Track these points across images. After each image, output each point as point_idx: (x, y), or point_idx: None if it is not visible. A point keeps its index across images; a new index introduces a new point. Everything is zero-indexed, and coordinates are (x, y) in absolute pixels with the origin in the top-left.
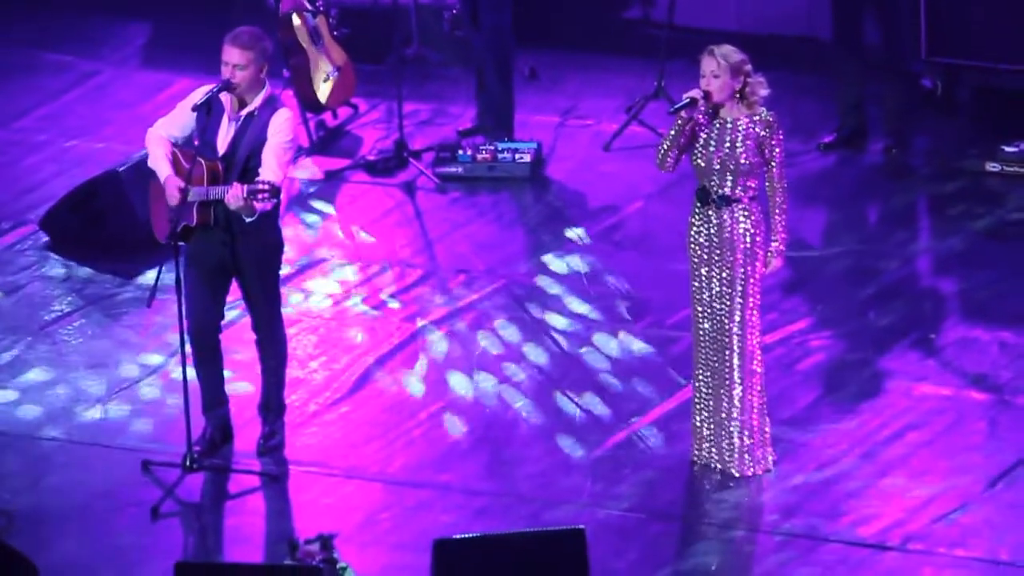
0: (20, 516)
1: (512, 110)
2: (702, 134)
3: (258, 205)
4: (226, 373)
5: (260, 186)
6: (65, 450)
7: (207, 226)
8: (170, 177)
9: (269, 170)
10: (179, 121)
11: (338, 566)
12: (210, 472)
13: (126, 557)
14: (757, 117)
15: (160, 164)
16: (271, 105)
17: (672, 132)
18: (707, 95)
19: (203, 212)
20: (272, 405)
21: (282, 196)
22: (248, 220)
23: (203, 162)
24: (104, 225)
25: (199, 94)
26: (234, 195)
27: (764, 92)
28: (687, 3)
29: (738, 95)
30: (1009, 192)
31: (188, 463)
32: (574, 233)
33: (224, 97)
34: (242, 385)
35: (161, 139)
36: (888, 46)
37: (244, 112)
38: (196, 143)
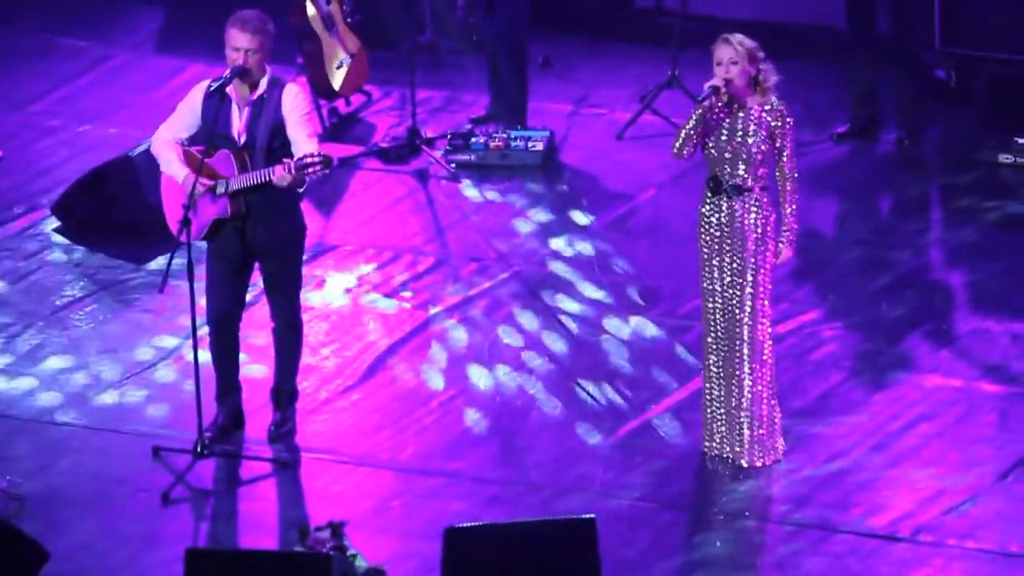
0: (31, 501)
1: (526, 98)
2: (714, 123)
3: (309, 176)
4: (243, 353)
5: (307, 159)
6: (76, 435)
7: (238, 216)
8: (189, 175)
9: (304, 144)
10: (184, 121)
11: (348, 553)
12: (221, 458)
13: (137, 542)
14: (769, 106)
15: (175, 167)
16: (278, 84)
17: (692, 121)
18: (727, 82)
19: (235, 202)
20: (285, 392)
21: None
22: (279, 202)
23: (229, 152)
24: (116, 210)
25: (198, 92)
26: (280, 175)
27: (775, 79)
28: None
29: (752, 82)
30: (1022, 184)
31: (199, 449)
32: (584, 219)
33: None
34: (255, 370)
35: (168, 143)
36: (902, 37)
37: (255, 96)
38: (209, 136)
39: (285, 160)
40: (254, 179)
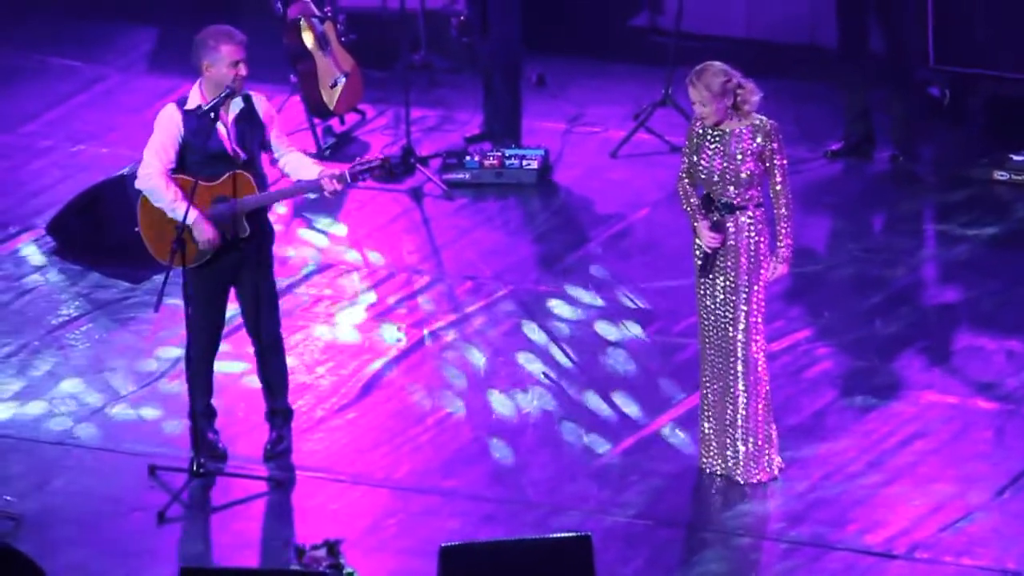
0: (27, 520)
1: (520, 116)
2: (704, 146)
3: (366, 182)
4: (240, 368)
5: (365, 165)
6: (72, 454)
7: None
8: (199, 218)
9: (286, 148)
10: (172, 150)
11: (344, 572)
12: (217, 477)
13: (132, 562)
14: (757, 125)
15: (178, 207)
16: (245, 95)
17: (694, 214)
18: (715, 252)
19: (251, 220)
20: (280, 411)
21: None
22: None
23: (244, 173)
24: (110, 229)
25: (173, 117)
26: (332, 184)
27: (755, 98)
28: (694, 10)
29: (732, 108)
30: (1017, 201)
31: (195, 468)
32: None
33: (203, 102)
34: (249, 389)
35: (167, 181)
36: (895, 54)
37: (237, 110)
38: (201, 158)
39: (339, 168)
40: (296, 191)
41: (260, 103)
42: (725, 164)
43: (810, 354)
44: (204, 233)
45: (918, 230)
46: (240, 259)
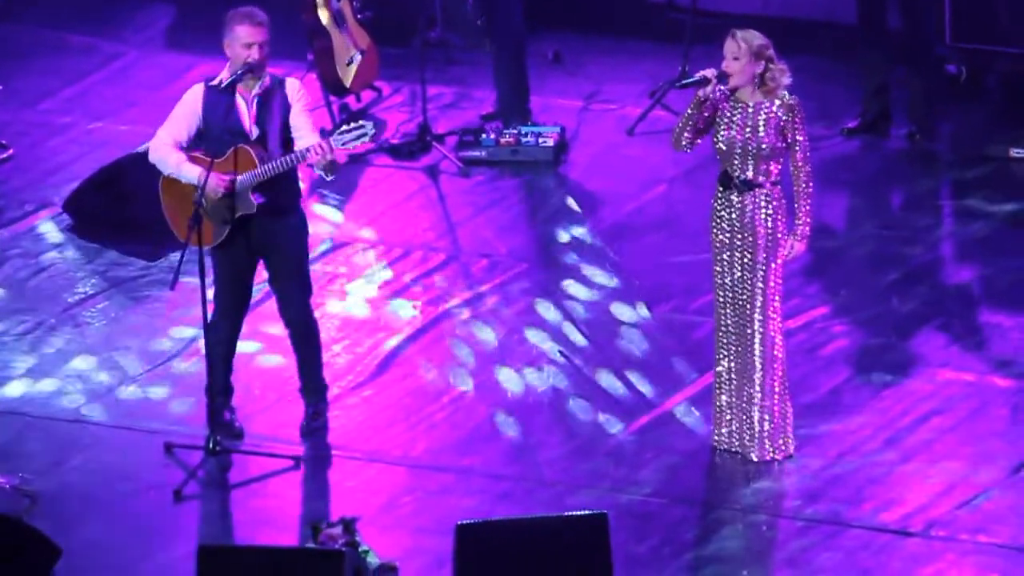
0: (43, 498)
1: (527, 96)
2: (724, 118)
3: (350, 151)
4: (255, 347)
5: (352, 129)
6: (88, 432)
7: (263, 209)
8: (203, 172)
9: (309, 134)
10: (185, 124)
11: (360, 549)
12: (233, 455)
13: (148, 539)
14: (779, 101)
15: (184, 168)
16: (278, 78)
17: (688, 111)
18: (721, 76)
19: (257, 196)
20: (311, 386)
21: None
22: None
23: (247, 148)
24: (128, 207)
25: (196, 93)
26: (319, 152)
27: (786, 81)
28: None
29: (758, 80)
30: None
31: (211, 446)
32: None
33: (224, 79)
34: (265, 368)
35: (171, 148)
36: (913, 32)
37: (261, 90)
38: (217, 133)
39: (321, 139)
40: (284, 164)
41: (292, 86)
42: (747, 136)
43: (827, 331)
44: (215, 182)
45: (935, 207)
46: (258, 238)
